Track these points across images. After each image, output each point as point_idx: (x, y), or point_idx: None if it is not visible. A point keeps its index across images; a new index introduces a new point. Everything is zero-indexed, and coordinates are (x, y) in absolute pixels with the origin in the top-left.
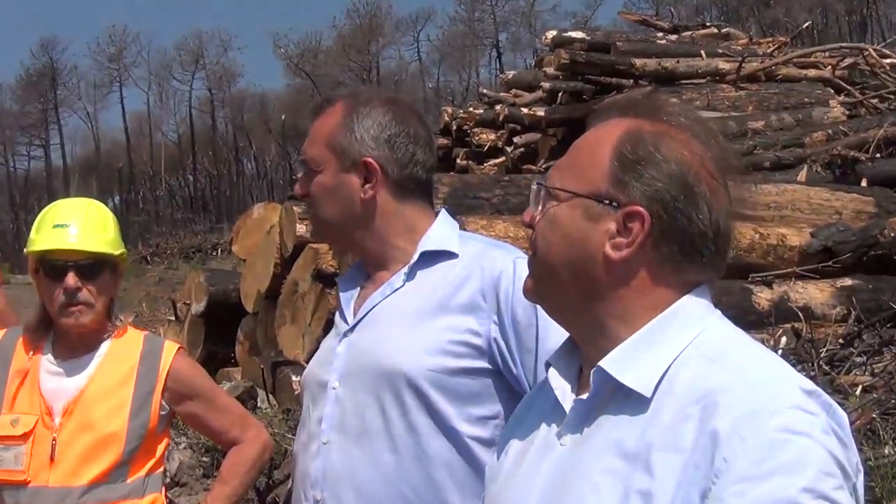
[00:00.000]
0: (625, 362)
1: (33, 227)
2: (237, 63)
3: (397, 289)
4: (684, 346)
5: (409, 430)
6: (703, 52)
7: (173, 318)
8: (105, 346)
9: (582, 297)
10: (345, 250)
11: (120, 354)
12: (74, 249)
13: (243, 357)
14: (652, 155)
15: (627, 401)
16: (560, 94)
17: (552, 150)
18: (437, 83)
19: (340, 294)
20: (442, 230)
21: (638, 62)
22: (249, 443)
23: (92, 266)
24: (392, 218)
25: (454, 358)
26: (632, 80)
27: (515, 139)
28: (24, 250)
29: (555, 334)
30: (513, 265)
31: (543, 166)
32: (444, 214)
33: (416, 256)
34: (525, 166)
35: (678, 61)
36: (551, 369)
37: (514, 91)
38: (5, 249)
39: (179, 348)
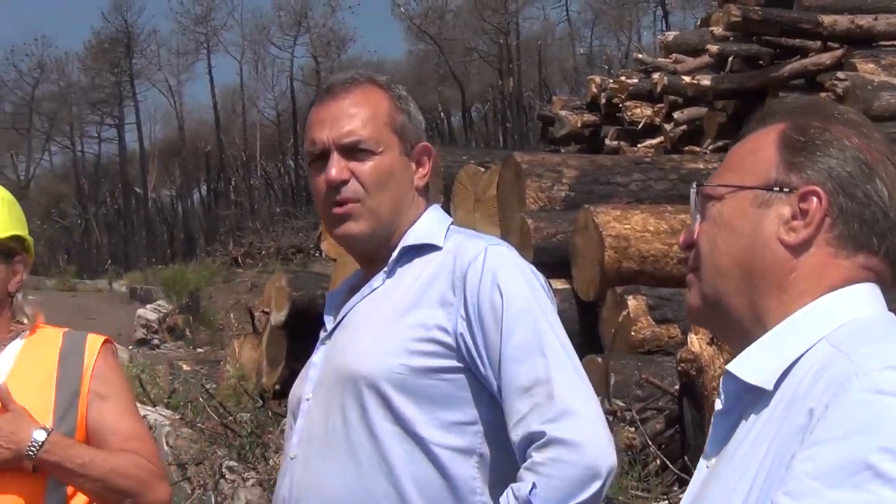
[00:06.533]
0: (753, 360)
1: None
2: (348, 25)
3: (375, 288)
4: (818, 339)
5: (370, 436)
6: None
7: (251, 330)
8: (12, 350)
9: (754, 302)
10: (376, 249)
11: (33, 357)
12: None
13: None
14: (822, 134)
15: (759, 402)
16: (730, 59)
17: (720, 128)
18: (590, 49)
19: (328, 301)
20: (427, 223)
21: (826, 19)
22: (155, 475)
23: None
24: (417, 210)
25: (421, 357)
26: (819, 42)
27: (676, 114)
28: None
29: (522, 329)
30: (483, 253)
31: (710, 147)
32: (434, 208)
33: (395, 253)
34: (687, 148)
35: (876, 18)
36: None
37: (674, 56)
38: (72, 250)
39: (105, 341)
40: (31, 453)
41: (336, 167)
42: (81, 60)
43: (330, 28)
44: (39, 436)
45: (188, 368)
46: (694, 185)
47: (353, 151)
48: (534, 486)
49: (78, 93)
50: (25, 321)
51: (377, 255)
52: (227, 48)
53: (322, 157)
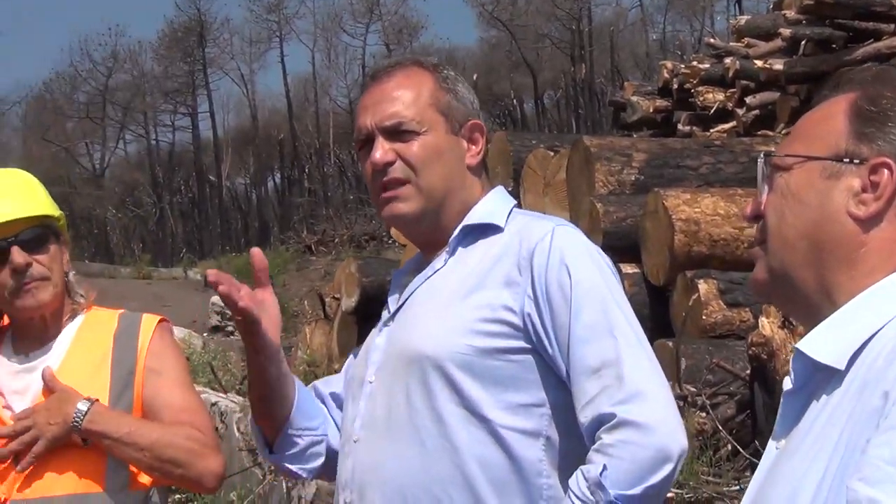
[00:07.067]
0: (824, 338)
1: None
2: (420, 12)
3: (438, 269)
4: (891, 317)
5: (435, 419)
6: None
7: (322, 316)
8: (71, 330)
9: (822, 275)
10: (430, 230)
11: (90, 336)
12: (11, 220)
13: None
14: (894, 104)
15: (830, 382)
16: (803, 42)
17: (793, 113)
18: (663, 34)
19: (393, 280)
20: (490, 204)
21: None
22: (207, 445)
23: (36, 236)
24: (477, 189)
25: (487, 337)
26: (892, 25)
27: (748, 99)
28: None
29: (591, 310)
30: (551, 233)
31: (783, 132)
32: (498, 189)
33: (456, 232)
34: (760, 132)
35: None
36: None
37: (746, 40)
38: (147, 238)
39: (161, 321)
40: (76, 424)
41: (380, 150)
42: (154, 49)
43: (402, 15)
44: (83, 406)
45: None
46: (762, 155)
47: (396, 133)
48: (604, 467)
49: (151, 82)
50: (82, 300)
51: (432, 236)
52: (299, 36)
53: (368, 143)
